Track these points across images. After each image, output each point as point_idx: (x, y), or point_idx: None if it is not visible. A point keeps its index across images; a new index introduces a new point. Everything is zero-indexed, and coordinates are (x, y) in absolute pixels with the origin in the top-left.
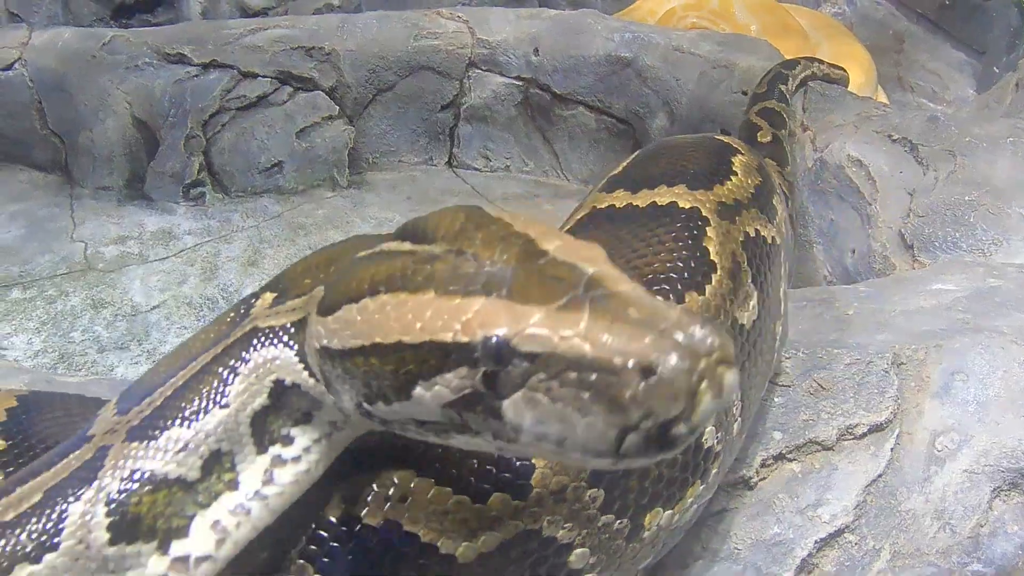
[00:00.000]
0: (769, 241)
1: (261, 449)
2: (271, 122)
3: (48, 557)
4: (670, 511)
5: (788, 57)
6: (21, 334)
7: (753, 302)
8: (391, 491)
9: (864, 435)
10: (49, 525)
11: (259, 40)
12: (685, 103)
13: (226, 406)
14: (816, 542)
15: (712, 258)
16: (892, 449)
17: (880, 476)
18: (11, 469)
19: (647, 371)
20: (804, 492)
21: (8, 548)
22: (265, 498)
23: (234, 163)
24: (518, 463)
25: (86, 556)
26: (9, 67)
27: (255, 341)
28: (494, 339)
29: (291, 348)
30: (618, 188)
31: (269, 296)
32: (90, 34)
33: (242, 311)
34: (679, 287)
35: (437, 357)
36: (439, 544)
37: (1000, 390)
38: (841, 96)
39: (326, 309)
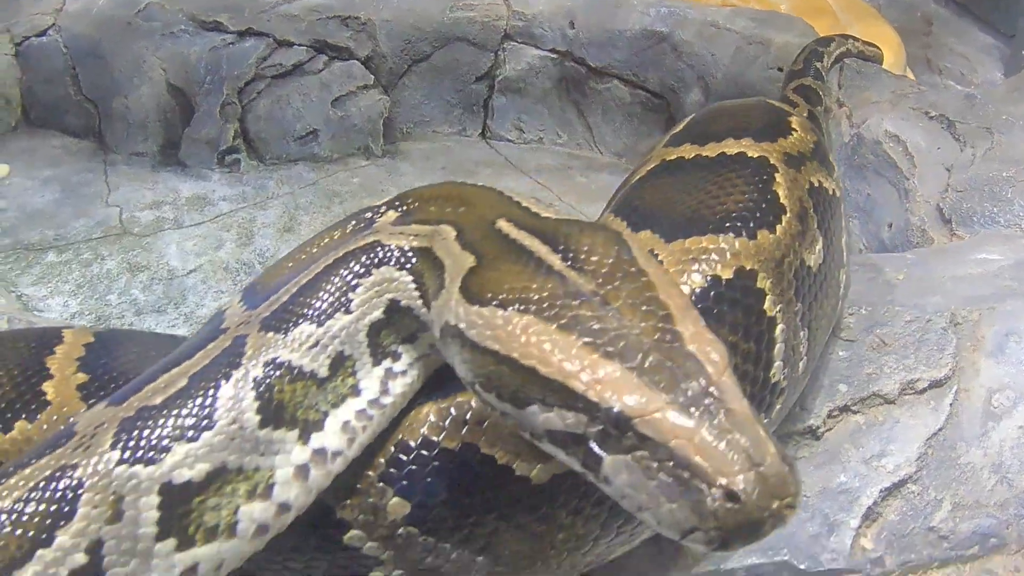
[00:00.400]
0: (831, 192)
1: (376, 361)
2: (306, 90)
3: (205, 435)
4: None
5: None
6: (57, 296)
7: (819, 246)
8: (468, 415)
9: (924, 390)
10: (202, 407)
11: (295, 9)
12: (720, 78)
13: (349, 312)
14: (881, 491)
15: (782, 201)
16: (951, 404)
17: (940, 430)
18: (92, 402)
19: (732, 496)
20: (868, 443)
21: (162, 430)
22: (384, 407)
23: (269, 131)
24: None
25: (241, 436)
26: (43, 33)
27: (377, 255)
28: (618, 410)
29: (409, 273)
30: (685, 142)
31: (392, 214)
32: (125, 1)
33: (366, 219)
34: (751, 225)
35: (562, 396)
36: (515, 466)
37: None
38: (876, 74)
39: (471, 296)
